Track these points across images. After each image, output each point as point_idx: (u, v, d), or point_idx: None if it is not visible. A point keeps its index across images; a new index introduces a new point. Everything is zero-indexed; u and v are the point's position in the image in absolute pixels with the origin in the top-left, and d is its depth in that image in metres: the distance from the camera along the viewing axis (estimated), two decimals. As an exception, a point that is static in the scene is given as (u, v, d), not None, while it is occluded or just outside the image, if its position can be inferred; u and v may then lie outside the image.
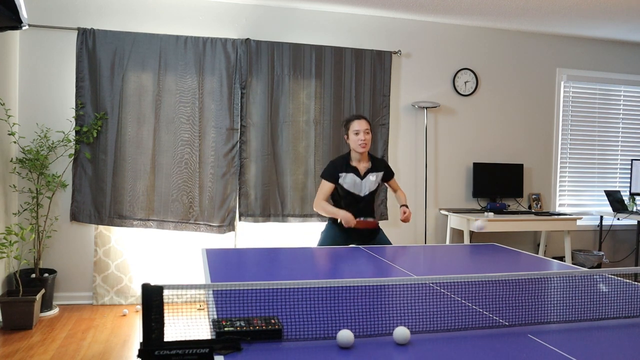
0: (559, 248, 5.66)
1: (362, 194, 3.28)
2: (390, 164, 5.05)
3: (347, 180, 3.25)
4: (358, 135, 3.20)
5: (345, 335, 1.36)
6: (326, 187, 3.28)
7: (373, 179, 3.30)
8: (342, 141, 4.82)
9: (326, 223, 3.42)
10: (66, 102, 4.38)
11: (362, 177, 3.27)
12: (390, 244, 3.38)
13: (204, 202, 4.53)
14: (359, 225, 3.21)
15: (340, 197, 3.32)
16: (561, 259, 5.43)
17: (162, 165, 4.46)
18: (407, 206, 3.34)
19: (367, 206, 3.32)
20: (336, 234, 3.33)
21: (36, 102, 4.33)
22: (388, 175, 3.40)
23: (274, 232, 4.82)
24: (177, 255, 4.61)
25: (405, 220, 3.27)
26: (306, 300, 1.78)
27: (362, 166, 3.29)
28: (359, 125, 3.21)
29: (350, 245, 3.23)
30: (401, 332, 1.40)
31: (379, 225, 3.46)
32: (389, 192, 5.05)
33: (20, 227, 3.98)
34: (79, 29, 4.27)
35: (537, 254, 5.51)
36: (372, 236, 3.36)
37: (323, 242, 3.34)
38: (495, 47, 5.39)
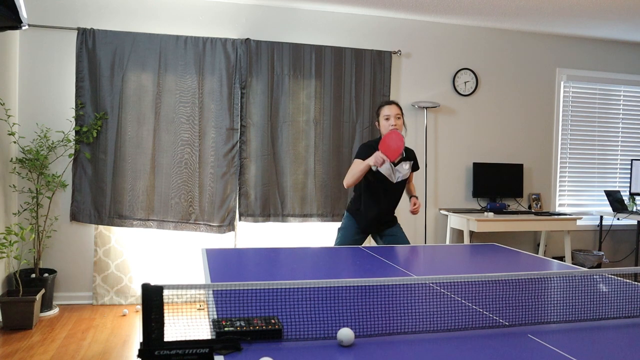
0: (559, 248, 5.66)
1: (394, 180, 3.24)
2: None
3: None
4: (389, 121, 3.16)
5: (345, 333, 1.36)
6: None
7: (406, 167, 3.26)
8: (342, 141, 4.82)
9: (344, 216, 3.40)
10: (66, 102, 4.38)
11: (395, 164, 3.23)
12: (406, 237, 3.37)
13: (204, 202, 4.53)
14: (388, 153, 3.04)
15: (370, 183, 3.26)
16: (561, 259, 5.43)
17: (162, 165, 4.46)
18: (417, 197, 3.31)
19: (395, 195, 3.30)
20: (353, 224, 3.32)
21: (36, 102, 4.33)
22: (415, 166, 3.38)
23: (274, 232, 4.82)
24: (177, 255, 4.61)
25: (414, 211, 3.22)
26: (306, 300, 1.78)
27: None
28: (389, 110, 3.17)
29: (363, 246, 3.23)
30: (344, 333, 1.37)
31: (396, 218, 3.43)
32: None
33: (20, 227, 3.98)
34: (78, 29, 4.26)
35: (537, 254, 5.51)
36: (389, 225, 3.35)
37: (342, 235, 3.33)
38: (495, 47, 5.39)
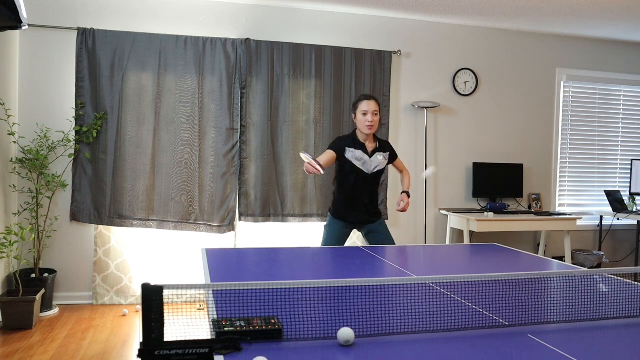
0: (559, 248, 5.66)
1: (369, 172, 3.29)
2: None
3: (356, 155, 3.25)
4: (365, 116, 3.20)
5: (346, 332, 1.36)
6: (328, 154, 3.22)
7: (381, 158, 3.33)
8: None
9: (328, 217, 3.46)
10: (66, 102, 4.38)
11: (370, 155, 3.29)
12: (390, 235, 3.42)
13: (204, 202, 4.53)
14: (309, 168, 2.99)
15: (345, 175, 3.31)
16: (561, 259, 5.43)
17: (162, 165, 4.46)
18: (408, 194, 3.34)
19: (371, 187, 3.35)
20: (337, 223, 3.38)
21: (36, 102, 4.33)
22: (393, 156, 3.45)
23: (274, 232, 4.82)
24: (177, 255, 4.61)
25: (401, 210, 3.29)
26: (306, 300, 1.78)
27: (370, 145, 3.32)
28: (367, 105, 3.21)
29: (354, 245, 3.23)
30: (344, 333, 1.37)
31: (381, 215, 3.48)
32: (389, 190, 5.05)
33: (20, 227, 3.98)
34: (78, 29, 4.26)
35: (537, 254, 5.51)
36: (373, 219, 3.39)
37: (327, 235, 3.39)
38: (495, 47, 5.39)
